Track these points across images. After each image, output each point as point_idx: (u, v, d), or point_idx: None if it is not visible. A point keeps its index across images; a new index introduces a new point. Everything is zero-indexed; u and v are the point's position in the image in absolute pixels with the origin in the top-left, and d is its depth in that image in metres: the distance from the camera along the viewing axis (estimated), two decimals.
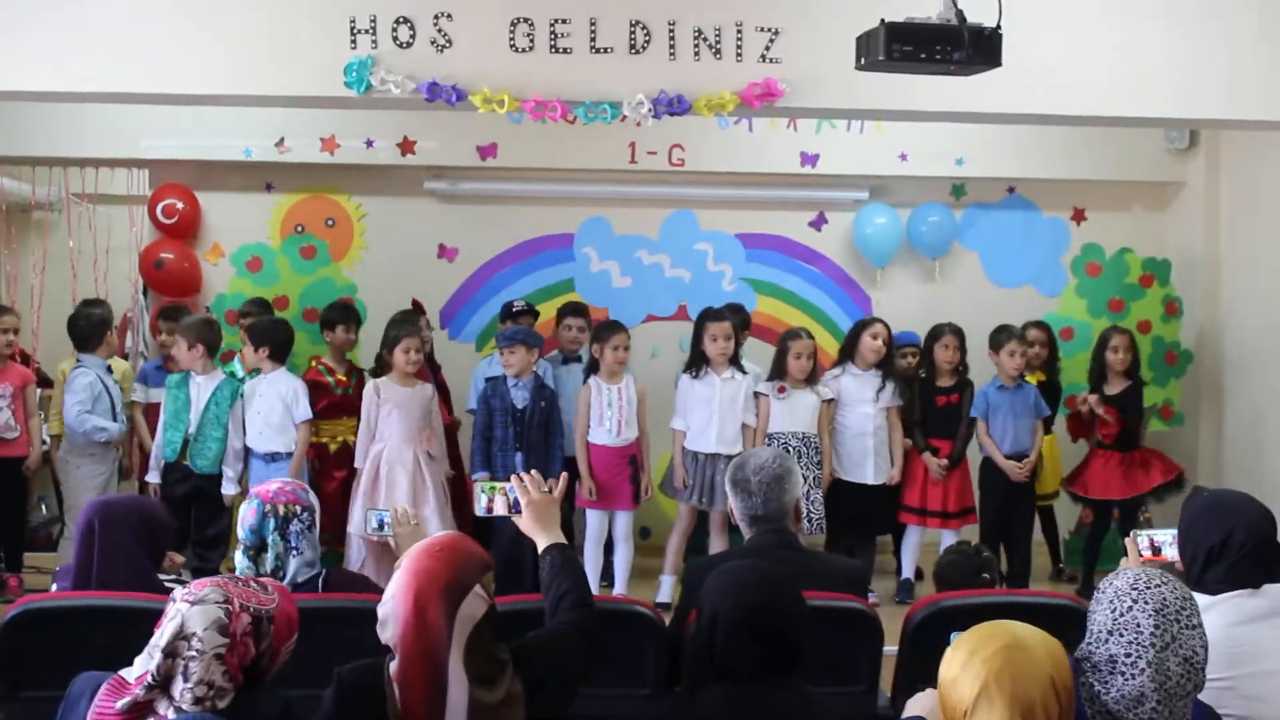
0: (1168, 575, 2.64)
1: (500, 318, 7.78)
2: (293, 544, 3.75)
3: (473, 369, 7.72)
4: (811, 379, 7.14)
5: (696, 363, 7.12)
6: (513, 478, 3.42)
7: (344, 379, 7.29)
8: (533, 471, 3.47)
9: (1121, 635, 2.54)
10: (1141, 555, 3.84)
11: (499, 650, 2.74)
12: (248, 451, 6.87)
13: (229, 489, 6.83)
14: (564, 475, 3.73)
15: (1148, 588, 2.57)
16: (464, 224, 8.52)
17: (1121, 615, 2.55)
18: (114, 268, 9.43)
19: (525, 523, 3.33)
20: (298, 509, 3.77)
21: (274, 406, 6.77)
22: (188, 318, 7.18)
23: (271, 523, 3.74)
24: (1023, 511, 7.37)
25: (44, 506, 8.35)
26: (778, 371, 7.16)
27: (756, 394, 7.12)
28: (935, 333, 7.50)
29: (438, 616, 2.62)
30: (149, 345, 8.38)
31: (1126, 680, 2.52)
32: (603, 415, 6.92)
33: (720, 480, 6.87)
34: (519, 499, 3.36)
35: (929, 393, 7.43)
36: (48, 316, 9.27)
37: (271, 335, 6.91)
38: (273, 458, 6.75)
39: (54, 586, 4.38)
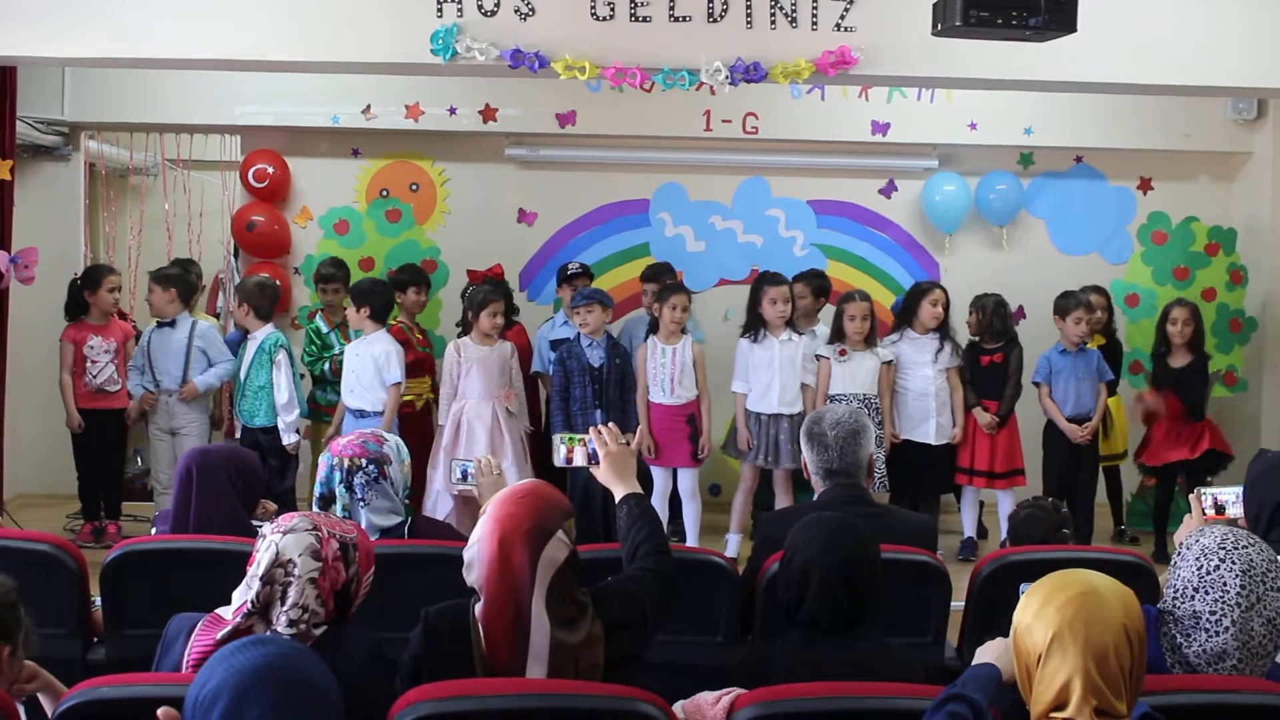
0: (1254, 537, 2.67)
1: (557, 281, 7.87)
2: (359, 495, 3.79)
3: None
4: (870, 340, 7.15)
5: (754, 326, 7.14)
6: (591, 430, 3.43)
7: (421, 338, 7.46)
8: (610, 424, 3.49)
9: (1207, 593, 2.57)
10: (1205, 514, 3.81)
11: (580, 593, 2.79)
12: (341, 407, 6.99)
13: (289, 438, 6.99)
14: (640, 429, 3.81)
15: (1235, 548, 2.60)
16: (543, 189, 8.62)
17: (1208, 573, 2.58)
18: (207, 230, 9.62)
19: (603, 473, 3.36)
20: (363, 462, 3.80)
21: (366, 366, 6.82)
22: (244, 280, 7.27)
23: (337, 475, 3.79)
24: (1085, 473, 7.37)
25: (139, 459, 8.58)
26: (837, 334, 7.19)
27: (818, 356, 7.16)
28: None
29: (521, 560, 2.68)
30: None
31: (1210, 637, 2.57)
32: (656, 374, 6.96)
33: (784, 440, 6.99)
34: (597, 451, 3.38)
35: (974, 352, 7.44)
36: (144, 277, 9.51)
37: (372, 296, 6.92)
38: (361, 414, 6.83)
39: (153, 530, 4.51)
